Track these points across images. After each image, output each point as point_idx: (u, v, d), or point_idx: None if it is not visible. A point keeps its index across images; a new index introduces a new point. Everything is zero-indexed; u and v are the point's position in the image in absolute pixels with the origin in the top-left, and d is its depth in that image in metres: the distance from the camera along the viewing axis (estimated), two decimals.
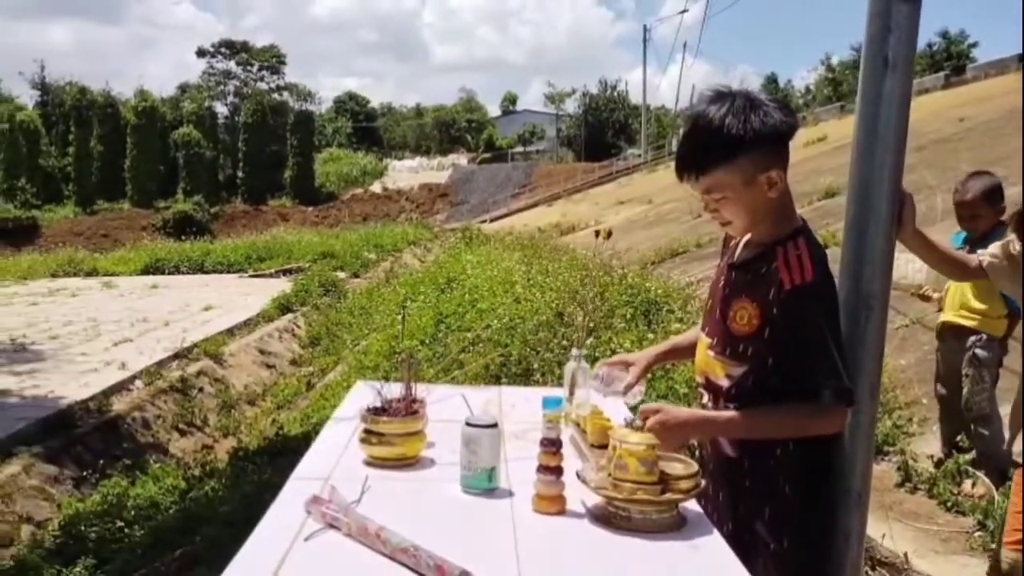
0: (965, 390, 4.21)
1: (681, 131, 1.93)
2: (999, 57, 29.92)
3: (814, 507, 1.95)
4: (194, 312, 14.84)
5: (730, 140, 1.81)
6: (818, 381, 1.80)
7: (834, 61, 59.04)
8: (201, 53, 67.59)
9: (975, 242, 3.86)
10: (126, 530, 5.66)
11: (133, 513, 5.97)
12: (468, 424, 1.86)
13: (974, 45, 48.00)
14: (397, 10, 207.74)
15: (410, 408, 2.06)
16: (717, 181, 1.87)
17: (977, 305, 4.20)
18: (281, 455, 6.97)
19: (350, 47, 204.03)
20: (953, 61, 43.20)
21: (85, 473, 7.04)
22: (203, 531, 5.11)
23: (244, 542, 1.59)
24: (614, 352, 5.72)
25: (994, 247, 2.66)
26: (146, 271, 24.14)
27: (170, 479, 6.80)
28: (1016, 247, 2.60)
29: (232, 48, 67.32)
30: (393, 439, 2.01)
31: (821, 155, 21.50)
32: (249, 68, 67.28)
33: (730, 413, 1.91)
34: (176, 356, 10.57)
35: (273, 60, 67.84)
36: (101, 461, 7.27)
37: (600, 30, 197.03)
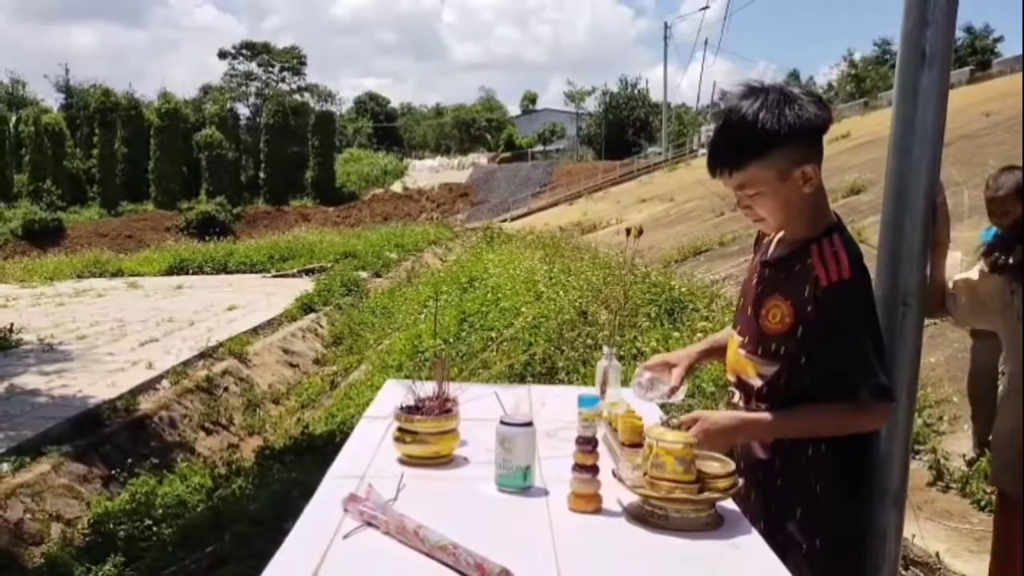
0: (1000, 388, 4.16)
1: (713, 127, 1.88)
2: None
3: (847, 506, 1.92)
4: (218, 312, 14.96)
5: (764, 135, 1.78)
6: (856, 379, 1.77)
7: (857, 57, 58.59)
8: (223, 55, 68.26)
9: (1006, 239, 3.80)
10: (154, 528, 5.72)
11: (161, 511, 6.03)
12: (503, 423, 1.86)
13: (999, 40, 47.57)
14: (416, 9, 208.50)
15: (443, 407, 2.06)
16: (751, 177, 1.84)
17: None
18: (307, 453, 7.02)
19: (370, 47, 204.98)
20: (978, 56, 42.70)
21: (114, 472, 7.12)
22: (232, 529, 5.15)
23: (273, 540, 1.60)
24: (639, 351, 5.70)
25: (957, 279, 2.34)
26: (170, 271, 24.39)
27: (197, 478, 6.85)
28: (973, 276, 2.34)
29: (253, 49, 67.81)
30: (427, 437, 2.00)
31: (845, 152, 21.35)
32: (270, 69, 67.75)
33: (769, 414, 1.88)
34: (202, 355, 10.66)
35: (294, 61, 68.24)
36: (129, 460, 7.35)
37: (620, 28, 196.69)
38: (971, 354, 4.56)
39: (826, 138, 1.90)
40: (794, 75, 67.65)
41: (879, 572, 2.09)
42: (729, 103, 1.87)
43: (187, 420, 8.81)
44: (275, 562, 1.50)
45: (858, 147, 21.97)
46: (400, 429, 2.04)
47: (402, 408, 2.07)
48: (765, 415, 1.89)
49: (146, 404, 8.66)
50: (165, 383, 9.43)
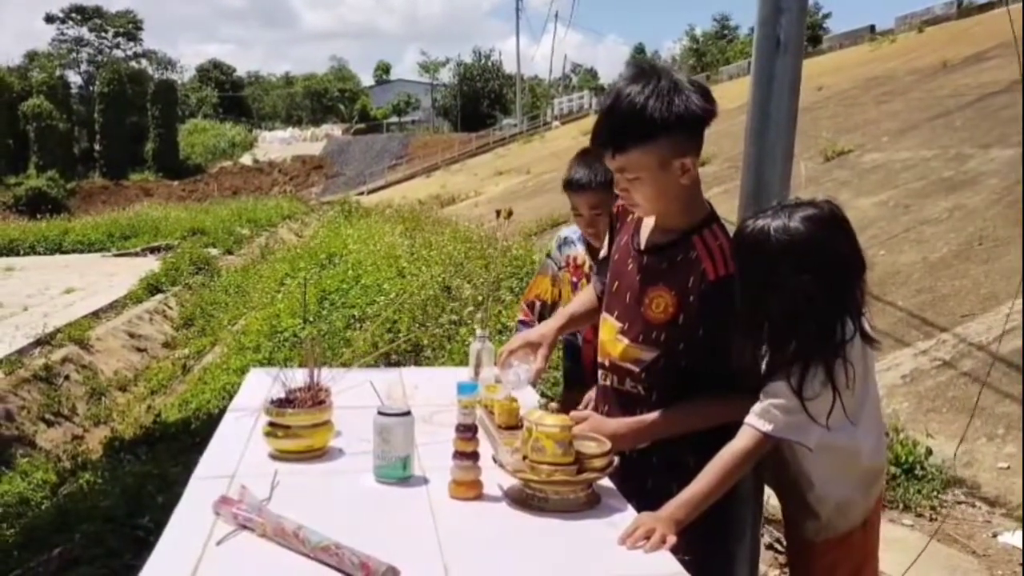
0: None
1: (594, 102, 1.90)
2: (852, 28, 31.54)
3: None
4: (55, 295, 14.04)
5: (651, 122, 1.78)
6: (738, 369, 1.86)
7: (698, 32, 60.85)
8: (50, 19, 63.51)
9: None
10: None
11: (1, 511, 5.63)
12: (381, 413, 1.82)
13: (827, 16, 50.38)
14: None
15: (316, 398, 2.00)
16: (632, 161, 1.84)
17: None
18: (160, 442, 6.70)
19: (213, 13, 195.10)
20: (808, 32, 45.22)
21: None
22: (82, 528, 4.84)
23: (129, 538, 1.51)
24: (505, 326, 5.75)
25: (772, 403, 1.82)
26: None
27: (40, 473, 6.47)
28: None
29: (84, 13, 63.39)
30: (300, 431, 1.94)
31: None
32: (103, 34, 63.65)
33: (657, 415, 1.94)
34: (38, 343, 10.01)
35: (129, 26, 64.35)
36: None
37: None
38: None
39: None
40: (639, 49, 69.71)
41: (744, 533, 2.20)
42: (618, 85, 1.87)
43: (25, 412, 8.25)
44: (144, 574, 1.41)
45: None
46: (271, 423, 1.97)
47: (272, 402, 1.99)
48: (651, 417, 1.94)
49: None
50: None
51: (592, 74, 73.61)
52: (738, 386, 1.86)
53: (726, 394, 1.88)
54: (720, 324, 1.85)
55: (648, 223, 2.04)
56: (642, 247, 2.03)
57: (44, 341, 10.07)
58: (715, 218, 1.96)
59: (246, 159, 54.98)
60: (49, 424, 8.40)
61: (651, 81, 1.80)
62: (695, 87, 1.84)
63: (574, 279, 2.94)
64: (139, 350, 11.61)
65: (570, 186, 2.72)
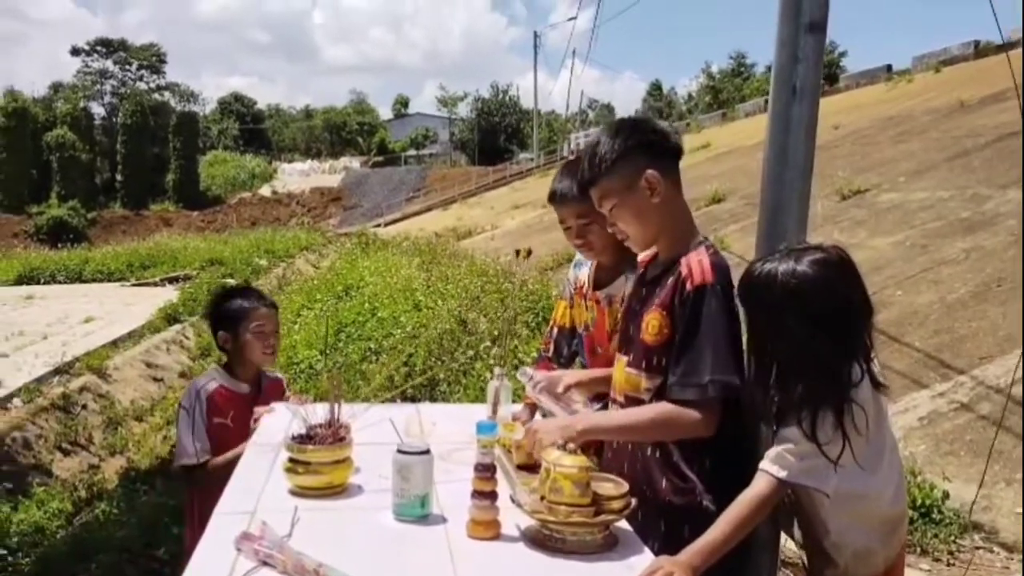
0: None
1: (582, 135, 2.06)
2: (869, 68, 31.60)
3: None
4: (74, 324, 14.14)
5: (605, 152, 2.02)
6: (703, 372, 1.88)
7: (714, 69, 61.28)
8: (76, 51, 64.63)
9: None
10: (10, 559, 5.36)
11: (17, 540, 5.66)
12: (400, 451, 1.84)
13: (844, 55, 50.51)
14: (287, 9, 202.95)
15: (336, 434, 2.02)
16: (604, 189, 2.05)
17: None
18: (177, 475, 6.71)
19: (237, 46, 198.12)
20: (825, 70, 45.34)
21: None
22: (98, 558, 4.87)
23: (146, 569, 1.53)
24: (521, 361, 5.76)
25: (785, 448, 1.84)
26: (19, 281, 22.87)
27: (56, 502, 6.48)
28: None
29: (109, 46, 64.52)
30: (320, 468, 1.96)
31: (706, 161, 22.25)
32: (127, 67, 64.69)
33: (597, 413, 2.13)
34: (57, 371, 10.05)
35: (153, 59, 65.39)
36: None
37: (493, 35, 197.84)
38: None
39: (688, 148, 2.06)
40: (656, 86, 70.19)
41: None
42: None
43: (43, 441, 8.27)
44: None
45: (718, 157, 22.94)
46: (291, 459, 1.99)
47: (293, 437, 2.02)
48: (592, 413, 2.10)
49: None
50: (17, 402, 8.84)
51: (609, 109, 74.08)
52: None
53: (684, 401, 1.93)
54: (688, 328, 1.92)
55: (650, 262, 2.18)
56: (646, 280, 2.14)
57: (63, 370, 10.13)
58: (707, 243, 2.05)
59: (265, 190, 55.53)
60: (66, 453, 8.43)
61: (606, 131, 2.10)
62: (648, 127, 2.07)
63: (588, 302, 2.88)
64: (156, 380, 11.65)
65: (554, 198, 2.55)
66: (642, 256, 2.22)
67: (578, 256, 3.03)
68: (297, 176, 59.44)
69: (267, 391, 3.04)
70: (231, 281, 19.47)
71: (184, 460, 2.82)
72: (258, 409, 2.76)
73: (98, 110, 60.64)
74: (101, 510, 6.13)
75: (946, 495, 4.43)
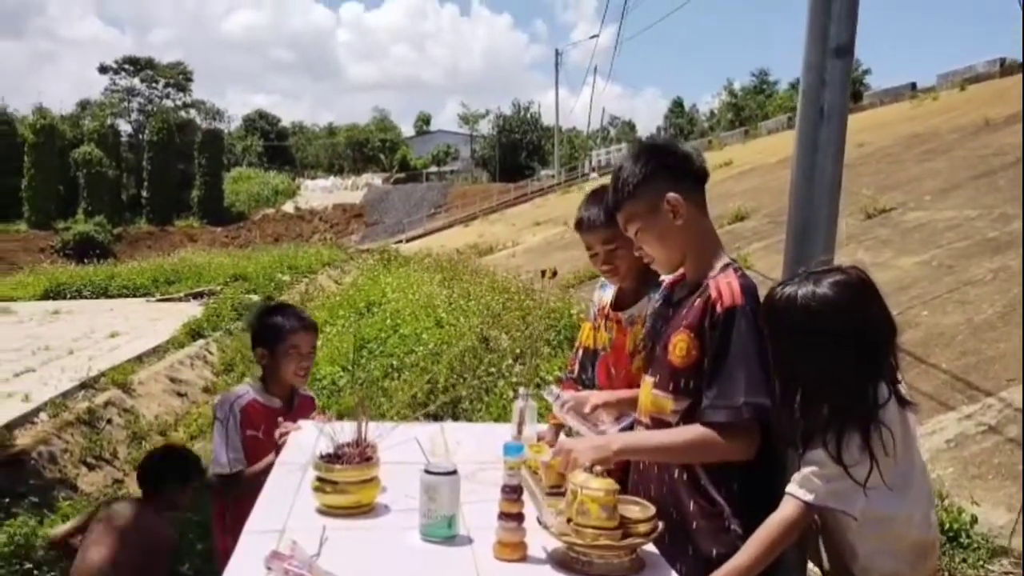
0: None
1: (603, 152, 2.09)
2: (893, 85, 31.40)
3: None
4: (100, 339, 14.28)
5: (628, 176, 2.07)
6: (737, 394, 1.88)
7: (736, 86, 61.23)
8: (104, 69, 65.75)
9: None
10: (35, 573, 5.39)
11: (43, 554, 5.68)
12: (427, 472, 1.85)
13: (867, 72, 50.25)
14: (311, 28, 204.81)
15: (364, 454, 2.04)
16: (629, 213, 2.09)
17: None
18: (200, 489, 6.74)
19: (262, 65, 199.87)
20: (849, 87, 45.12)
21: None
22: None
23: None
24: (543, 380, 5.76)
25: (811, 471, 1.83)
26: (46, 296, 23.10)
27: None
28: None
29: (136, 64, 65.57)
30: (348, 487, 1.98)
31: (729, 179, 22.18)
32: (154, 85, 65.64)
33: (629, 434, 2.14)
34: (82, 386, 10.15)
35: (179, 77, 66.32)
36: (7, 499, 6.89)
37: (515, 53, 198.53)
38: None
39: (711, 166, 2.08)
40: (678, 103, 70.24)
41: None
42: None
43: (68, 455, 8.36)
44: None
45: (741, 175, 22.87)
46: (319, 479, 2.01)
47: (321, 456, 2.03)
48: (626, 434, 2.12)
49: (23, 439, 8.17)
50: (43, 416, 8.93)
51: (630, 126, 74.24)
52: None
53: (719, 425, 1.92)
54: (720, 351, 1.92)
55: (677, 284, 2.18)
56: (673, 301, 2.14)
57: (88, 384, 10.23)
58: (734, 265, 2.05)
59: (288, 207, 56.02)
60: (90, 467, 8.50)
61: (631, 154, 2.14)
62: (669, 150, 2.11)
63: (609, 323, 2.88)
64: (180, 395, 11.76)
65: (581, 226, 2.61)
66: (669, 278, 2.22)
67: (603, 278, 3.05)
68: (320, 192, 59.93)
69: (299, 408, 3.08)
70: (255, 297, 19.63)
71: (217, 469, 2.90)
72: (283, 423, 2.80)
73: (125, 127, 61.64)
74: None
75: (974, 519, 4.37)
